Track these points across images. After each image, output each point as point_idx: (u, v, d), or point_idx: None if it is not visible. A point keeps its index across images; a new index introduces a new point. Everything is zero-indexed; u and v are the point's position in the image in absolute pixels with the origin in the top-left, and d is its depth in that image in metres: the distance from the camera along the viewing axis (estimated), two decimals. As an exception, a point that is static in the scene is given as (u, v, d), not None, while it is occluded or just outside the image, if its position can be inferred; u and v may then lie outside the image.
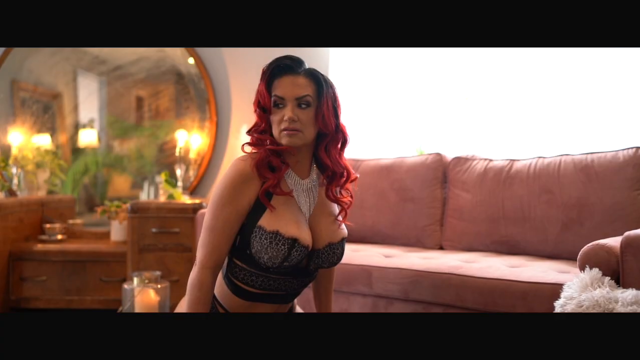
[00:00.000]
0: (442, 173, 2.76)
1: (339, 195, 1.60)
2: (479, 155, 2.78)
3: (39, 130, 3.77)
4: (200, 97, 3.67)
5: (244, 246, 1.49)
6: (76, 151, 3.88)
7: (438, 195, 2.74)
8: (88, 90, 3.85)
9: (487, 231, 2.55)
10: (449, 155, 2.83)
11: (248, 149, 1.55)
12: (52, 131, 3.80)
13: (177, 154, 3.41)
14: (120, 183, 3.97)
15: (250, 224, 1.47)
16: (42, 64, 3.78)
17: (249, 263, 1.50)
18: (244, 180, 1.46)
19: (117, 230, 3.29)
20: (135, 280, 2.61)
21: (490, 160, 2.70)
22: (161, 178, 3.29)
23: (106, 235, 3.50)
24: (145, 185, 3.80)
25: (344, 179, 1.60)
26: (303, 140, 1.48)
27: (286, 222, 1.46)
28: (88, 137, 3.83)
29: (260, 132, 1.54)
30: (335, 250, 1.60)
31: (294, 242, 1.46)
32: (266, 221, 1.46)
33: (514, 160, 2.62)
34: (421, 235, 2.72)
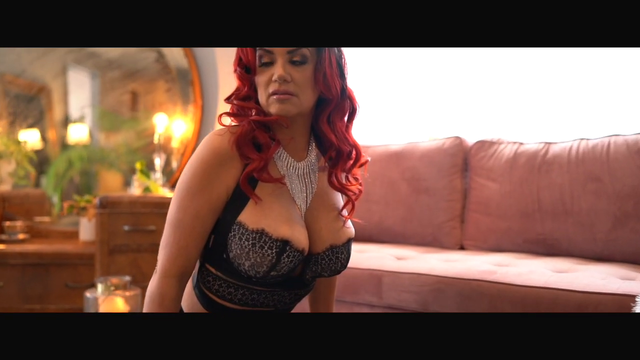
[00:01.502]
0: (462, 159, 2.37)
1: (345, 183, 1.24)
2: (506, 138, 2.36)
3: (21, 125, 3.44)
4: (182, 78, 3.23)
5: (219, 249, 1.13)
6: (66, 147, 3.58)
7: (458, 186, 2.35)
8: (78, 83, 3.51)
9: (519, 228, 2.14)
10: (470, 139, 2.44)
11: (227, 120, 1.19)
12: (39, 126, 3.49)
13: (155, 141, 2.97)
14: (111, 180, 3.57)
15: (227, 219, 1.11)
16: (26, 54, 3.41)
17: (225, 271, 1.14)
18: (220, 161, 1.10)
19: (87, 229, 2.86)
20: (100, 287, 2.20)
21: (521, 143, 2.29)
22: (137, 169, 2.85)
23: (76, 235, 3.06)
24: (135, 181, 3.39)
25: (352, 160, 1.23)
26: (298, 107, 1.12)
27: (275, 217, 1.11)
28: (78, 133, 3.52)
29: (242, 99, 1.17)
30: (338, 255, 1.21)
31: (284, 244, 1.10)
32: (248, 216, 1.09)
33: (549, 143, 2.21)
34: (438, 233, 2.34)
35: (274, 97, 1.10)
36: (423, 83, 2.86)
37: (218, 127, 1.19)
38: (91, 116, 3.60)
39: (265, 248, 1.07)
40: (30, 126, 3.52)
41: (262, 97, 1.13)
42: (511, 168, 2.22)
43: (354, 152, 1.21)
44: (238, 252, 1.09)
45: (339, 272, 1.24)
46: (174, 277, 1.12)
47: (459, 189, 2.34)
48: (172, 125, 3.14)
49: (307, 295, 1.30)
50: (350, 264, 1.74)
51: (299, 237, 1.12)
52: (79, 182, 3.61)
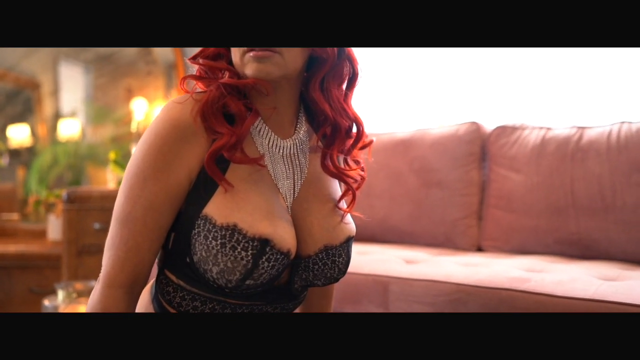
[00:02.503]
0: (479, 147, 2.08)
1: (343, 167, 1.02)
2: (531, 123, 2.06)
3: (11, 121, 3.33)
4: (165, 60, 2.93)
5: (180, 250, 0.91)
6: (56, 143, 3.49)
7: (474, 178, 2.07)
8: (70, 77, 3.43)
9: (549, 226, 1.85)
10: (487, 125, 2.15)
11: (191, 85, 0.97)
12: (29, 122, 3.40)
13: (133, 129, 2.65)
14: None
15: (190, 212, 0.89)
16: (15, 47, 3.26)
17: (189, 279, 0.91)
18: (179, 136, 0.87)
19: (56, 227, 2.55)
20: (61, 293, 1.91)
21: (549, 128, 1.99)
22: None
23: (45, 234, 2.76)
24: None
25: (352, 139, 1.01)
26: (282, 68, 0.90)
27: (251, 210, 0.89)
28: (70, 128, 3.38)
29: (210, 57, 0.96)
30: (335, 259, 0.97)
31: (263, 244, 0.87)
32: (217, 208, 0.87)
33: (583, 127, 1.91)
34: (452, 233, 2.06)
35: (251, 54, 0.88)
36: (432, 63, 2.58)
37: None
38: (83, 111, 3.43)
39: (239, 249, 0.85)
40: (19, 121, 3.44)
41: (235, 55, 0.91)
42: (538, 156, 1.92)
43: (354, 128, 0.99)
44: (204, 254, 0.86)
45: (336, 279, 1.00)
46: (122, 287, 0.89)
47: (476, 182, 2.08)
48: (154, 111, 2.83)
49: (296, 309, 1.05)
50: (350, 268, 1.47)
51: (283, 235, 0.89)
52: (70, 178, 3.50)
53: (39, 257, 2.51)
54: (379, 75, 2.66)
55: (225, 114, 0.88)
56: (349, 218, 1.01)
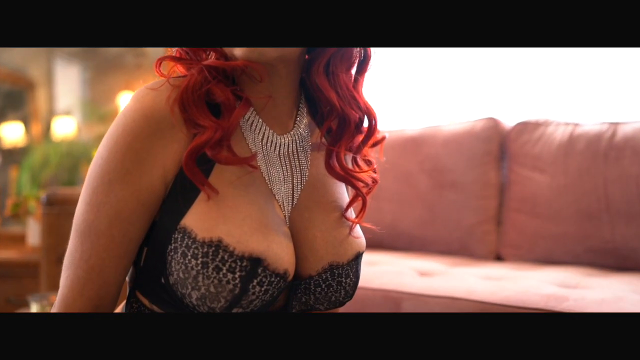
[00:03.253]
0: (498, 145, 1.92)
1: (352, 168, 0.88)
2: (556, 118, 1.88)
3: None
4: (156, 50, 2.76)
5: (154, 268, 0.76)
6: (50, 142, 3.44)
7: (492, 179, 1.90)
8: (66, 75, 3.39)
9: (579, 233, 1.67)
10: (507, 120, 1.98)
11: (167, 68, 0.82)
12: (24, 120, 3.32)
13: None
14: None
15: (165, 224, 0.75)
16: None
17: (165, 303, 0.77)
18: (153, 130, 0.74)
19: (35, 232, 2.35)
20: (34, 307, 1.72)
21: (577, 124, 1.81)
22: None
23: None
24: None
25: (364, 134, 0.86)
26: (279, 48, 0.75)
27: (240, 222, 0.74)
28: (65, 127, 3.27)
29: None
30: (342, 279, 0.83)
31: (254, 264, 0.73)
32: (198, 219, 0.73)
33: (617, 123, 1.72)
34: (467, 239, 1.89)
35: None
36: (443, 55, 2.40)
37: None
38: (79, 109, 3.32)
39: (224, 270, 0.71)
40: (13, 119, 3.35)
41: None
42: (566, 155, 1.74)
43: (366, 121, 0.84)
44: (181, 275, 0.72)
45: (341, 304, 0.85)
46: (83, 312, 0.75)
47: (494, 183, 1.91)
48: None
49: None
50: (359, 284, 1.24)
51: (279, 252, 0.75)
52: (65, 178, 3.39)
53: (16, 265, 2.31)
54: (387, 68, 2.47)
55: (209, 104, 0.74)
56: (358, 231, 0.85)
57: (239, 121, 0.73)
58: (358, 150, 0.85)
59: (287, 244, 0.76)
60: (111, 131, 0.73)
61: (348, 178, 0.83)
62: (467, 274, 1.55)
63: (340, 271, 0.80)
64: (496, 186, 1.91)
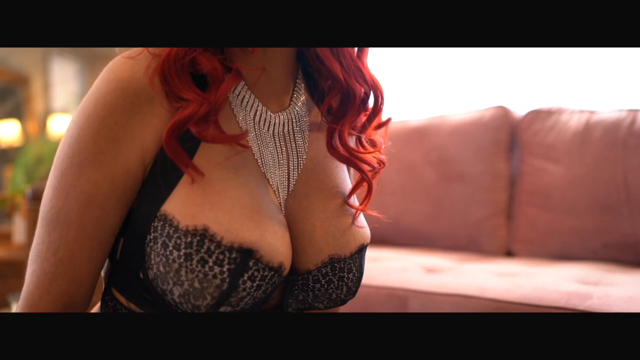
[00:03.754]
0: (508, 135, 1.84)
1: (356, 148, 0.79)
2: (570, 106, 1.79)
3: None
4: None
5: (131, 262, 0.69)
6: (45, 140, 3.44)
7: (502, 170, 1.83)
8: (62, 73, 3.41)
9: (597, 227, 1.57)
10: (516, 109, 1.90)
11: None
12: (19, 118, 3.31)
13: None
14: None
15: (144, 210, 0.68)
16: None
17: (144, 301, 0.70)
18: (129, 103, 0.66)
19: (22, 229, 2.25)
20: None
21: (592, 112, 1.72)
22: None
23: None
24: None
25: (369, 112, 0.79)
26: None
27: (229, 208, 0.67)
28: (62, 125, 3.26)
29: None
30: (344, 274, 0.75)
31: (245, 256, 0.65)
32: (180, 205, 0.65)
33: (636, 110, 1.64)
34: (476, 234, 1.81)
35: None
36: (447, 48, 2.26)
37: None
38: (75, 107, 3.33)
39: (210, 263, 0.63)
40: (8, 117, 3.33)
41: None
42: (582, 144, 1.65)
43: (372, 97, 0.77)
44: (161, 269, 0.65)
45: (343, 302, 0.78)
46: (50, 312, 0.67)
47: (504, 174, 1.83)
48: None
49: None
50: (362, 281, 1.15)
51: (273, 242, 0.68)
52: None
53: (2, 264, 2.21)
54: (388, 56, 2.37)
55: (194, 75, 0.67)
56: (362, 220, 0.78)
57: (227, 94, 0.65)
58: (363, 129, 0.77)
59: (283, 233, 0.68)
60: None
61: (352, 159, 0.75)
62: (478, 270, 1.45)
63: (342, 265, 0.72)
64: (506, 178, 1.83)
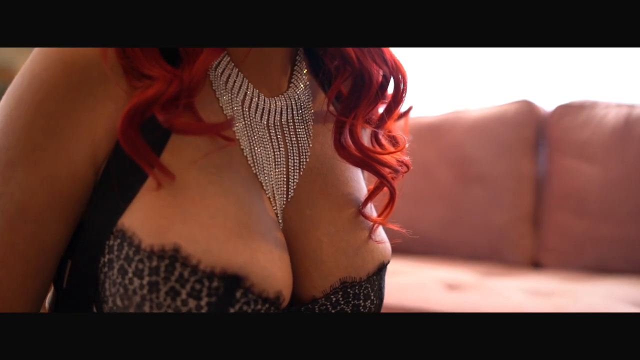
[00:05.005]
0: (533, 132, 1.73)
1: (373, 147, 0.66)
2: (604, 100, 1.67)
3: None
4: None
5: (82, 293, 0.54)
6: None
7: (527, 171, 1.72)
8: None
9: None
10: (541, 103, 1.80)
11: None
12: None
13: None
14: None
15: (96, 224, 0.53)
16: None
17: None
18: (75, 84, 0.51)
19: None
20: None
21: (632, 106, 1.59)
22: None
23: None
24: None
25: (389, 100, 0.65)
26: None
27: (208, 220, 0.51)
28: None
29: None
30: (360, 301, 0.62)
31: (231, 285, 0.50)
32: (143, 217, 0.50)
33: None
34: (498, 243, 1.71)
35: None
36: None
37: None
38: None
39: (183, 295, 0.51)
40: None
41: None
42: (621, 141, 1.53)
43: (392, 82, 0.64)
44: (119, 304, 0.52)
45: None
46: None
47: (529, 176, 1.72)
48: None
49: None
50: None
51: (268, 266, 0.55)
52: None
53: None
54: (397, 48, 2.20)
55: (161, 48, 0.55)
56: (381, 233, 0.65)
57: (205, 71, 0.52)
58: (381, 123, 0.63)
59: (281, 253, 0.55)
60: (12, 88, 0.53)
61: (368, 161, 0.61)
62: (506, 288, 1.31)
63: (356, 290, 0.59)
64: (532, 179, 1.72)
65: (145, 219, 0.49)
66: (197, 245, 0.49)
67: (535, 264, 1.65)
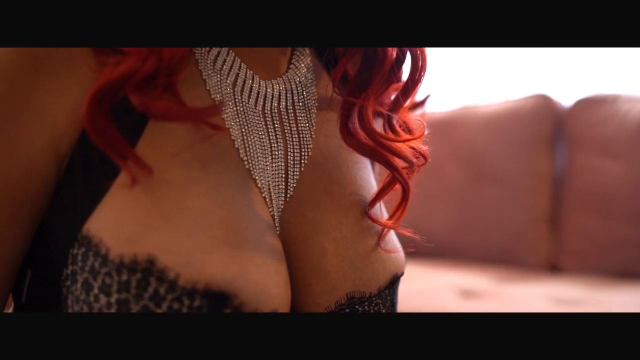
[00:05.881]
0: (550, 128, 1.66)
1: (383, 134, 0.54)
2: (627, 93, 1.59)
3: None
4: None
5: (43, 308, 0.46)
6: None
7: (544, 169, 1.65)
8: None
9: None
10: (560, 97, 1.72)
11: None
12: None
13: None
14: None
15: (57, 229, 0.45)
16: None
17: None
18: (32, 63, 0.43)
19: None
20: None
21: None
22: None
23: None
24: None
25: (405, 82, 0.54)
26: None
27: (190, 227, 0.42)
28: None
29: None
30: None
31: (216, 304, 0.42)
32: (113, 221, 0.42)
33: None
34: (513, 245, 1.63)
35: None
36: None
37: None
38: None
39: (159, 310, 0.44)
40: None
41: None
42: None
43: (408, 61, 0.56)
44: None
45: None
46: None
47: (547, 174, 1.64)
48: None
49: None
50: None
51: (262, 280, 0.47)
52: None
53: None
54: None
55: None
56: (393, 240, 0.57)
57: (189, 47, 0.46)
58: (395, 107, 0.55)
59: (277, 265, 0.48)
60: None
61: (380, 151, 0.53)
62: (527, 295, 1.23)
63: (366, 307, 0.53)
64: (549, 178, 1.64)
65: (114, 223, 0.42)
66: (176, 256, 0.42)
67: (553, 268, 1.57)
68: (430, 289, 1.27)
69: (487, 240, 1.66)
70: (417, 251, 1.48)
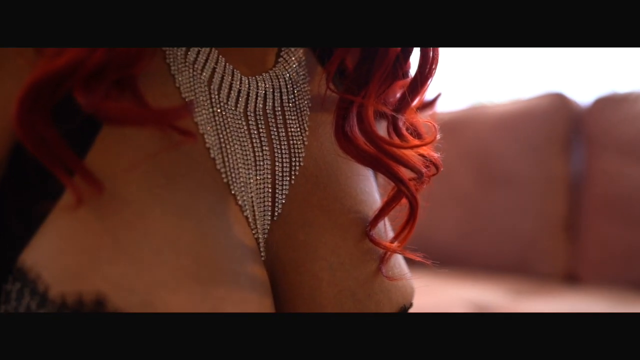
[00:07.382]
0: (566, 128, 1.58)
1: (392, 138, 0.45)
2: None
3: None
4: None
5: None
6: None
7: (560, 172, 1.58)
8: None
9: None
10: (577, 96, 1.65)
11: None
12: None
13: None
14: None
15: None
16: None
17: None
18: None
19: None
20: None
21: None
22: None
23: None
24: None
25: (412, 78, 0.44)
26: None
27: (152, 257, 0.34)
28: None
29: None
30: None
31: None
32: (55, 251, 0.34)
33: None
34: (526, 253, 1.56)
35: None
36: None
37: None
38: None
39: None
40: None
41: None
42: None
43: (416, 52, 0.47)
44: None
45: None
46: None
47: (563, 178, 1.56)
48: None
49: None
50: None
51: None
52: None
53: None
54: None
55: None
56: (400, 264, 0.49)
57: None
58: (402, 106, 0.47)
59: (260, 301, 0.41)
60: None
61: (382, 159, 0.46)
62: (547, 311, 1.12)
63: None
64: (565, 182, 1.56)
65: (56, 253, 0.35)
66: (131, 294, 0.35)
67: (571, 279, 1.48)
68: (440, 303, 1.18)
69: (499, 249, 1.59)
70: (422, 261, 1.38)
